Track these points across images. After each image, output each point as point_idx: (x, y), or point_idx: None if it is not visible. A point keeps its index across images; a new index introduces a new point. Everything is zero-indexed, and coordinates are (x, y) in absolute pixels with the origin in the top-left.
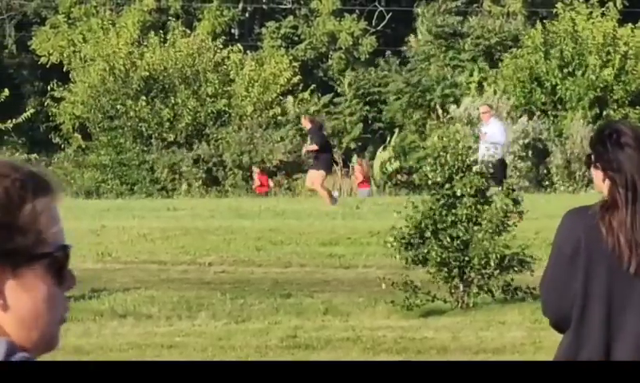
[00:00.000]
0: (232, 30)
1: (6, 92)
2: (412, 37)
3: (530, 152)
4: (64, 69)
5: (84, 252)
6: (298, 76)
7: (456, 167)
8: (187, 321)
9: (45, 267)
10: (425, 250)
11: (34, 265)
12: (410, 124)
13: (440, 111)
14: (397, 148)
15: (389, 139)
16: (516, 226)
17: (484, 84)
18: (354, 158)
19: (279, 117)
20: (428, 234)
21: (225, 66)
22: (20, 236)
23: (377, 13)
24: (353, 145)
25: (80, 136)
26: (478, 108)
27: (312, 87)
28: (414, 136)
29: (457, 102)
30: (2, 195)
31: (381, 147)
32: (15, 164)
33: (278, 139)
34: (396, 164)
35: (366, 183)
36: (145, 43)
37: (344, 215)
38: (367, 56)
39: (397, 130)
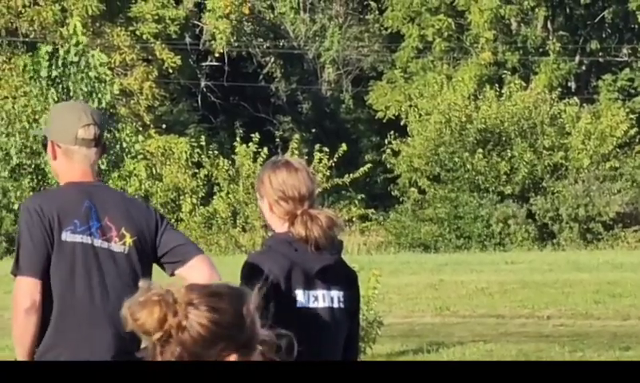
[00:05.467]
0: (569, 83)
1: (344, 146)
2: None
3: None
4: (401, 124)
5: (422, 306)
6: (635, 129)
7: None
8: None
9: None
10: None
11: None
12: None
13: None
14: None
15: None
16: None
17: None
18: None
19: (617, 170)
20: None
21: (561, 119)
22: None
23: None
24: None
25: (416, 190)
26: None
27: None
28: None
29: None
30: None
31: None
32: None
33: (615, 191)
34: None
35: None
36: (481, 96)
37: None
38: None
39: None
